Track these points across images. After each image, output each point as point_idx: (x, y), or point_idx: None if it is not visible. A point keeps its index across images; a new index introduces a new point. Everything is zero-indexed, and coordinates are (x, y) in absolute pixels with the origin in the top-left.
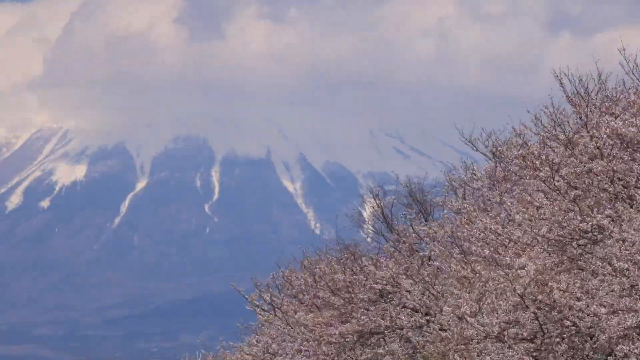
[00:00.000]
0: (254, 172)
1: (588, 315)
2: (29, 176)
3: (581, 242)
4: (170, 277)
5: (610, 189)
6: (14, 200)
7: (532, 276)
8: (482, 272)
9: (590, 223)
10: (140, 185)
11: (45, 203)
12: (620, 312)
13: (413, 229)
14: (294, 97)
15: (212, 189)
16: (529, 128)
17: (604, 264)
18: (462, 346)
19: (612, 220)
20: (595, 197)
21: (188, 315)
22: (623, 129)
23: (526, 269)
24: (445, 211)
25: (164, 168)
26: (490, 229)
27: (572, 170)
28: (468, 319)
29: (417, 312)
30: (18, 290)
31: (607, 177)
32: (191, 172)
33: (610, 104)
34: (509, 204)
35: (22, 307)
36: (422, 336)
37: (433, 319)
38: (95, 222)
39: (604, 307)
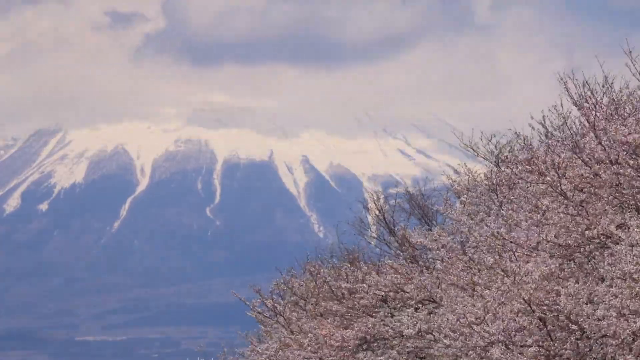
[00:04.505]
0: (257, 174)
1: (596, 320)
2: (27, 179)
3: (588, 248)
4: (171, 281)
5: (618, 195)
6: (12, 204)
7: (538, 281)
8: (488, 278)
9: (596, 230)
10: (141, 188)
11: (43, 206)
12: (629, 315)
13: (409, 241)
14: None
15: (213, 192)
16: (536, 129)
17: (613, 268)
18: (469, 352)
19: (620, 227)
20: (604, 201)
21: (189, 320)
22: (630, 136)
23: (532, 275)
24: (447, 219)
25: (164, 170)
26: (497, 233)
27: (579, 173)
28: (474, 326)
29: (420, 319)
30: (16, 295)
31: (615, 183)
32: (192, 174)
33: (616, 106)
34: (512, 210)
35: (21, 312)
36: (426, 342)
37: (436, 328)
38: (95, 225)
39: (613, 311)
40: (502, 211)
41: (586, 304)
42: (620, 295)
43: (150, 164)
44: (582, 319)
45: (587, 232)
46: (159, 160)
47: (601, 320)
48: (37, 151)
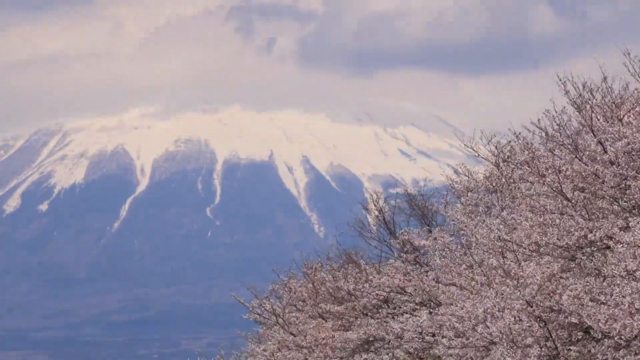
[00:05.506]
0: (257, 174)
1: (603, 319)
2: (27, 179)
3: (590, 249)
4: (171, 282)
5: (619, 196)
6: (12, 204)
7: (540, 283)
8: (488, 279)
9: (599, 234)
10: (141, 188)
11: (43, 206)
12: (635, 314)
13: (411, 243)
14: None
15: (213, 192)
16: (533, 131)
17: (617, 266)
18: (469, 353)
19: (623, 229)
20: (603, 201)
21: (189, 321)
22: (630, 136)
23: (534, 278)
24: (447, 220)
25: (164, 170)
26: (497, 234)
27: (578, 173)
28: (474, 326)
29: (421, 319)
30: (16, 295)
31: (615, 184)
32: (192, 174)
33: (615, 107)
34: (513, 211)
35: (21, 312)
36: (427, 343)
37: (437, 328)
38: (95, 225)
39: (617, 309)
40: (503, 212)
41: (590, 302)
42: (628, 294)
43: (150, 164)
44: (586, 317)
45: (590, 235)
46: (159, 160)
47: (609, 319)
48: (37, 151)
